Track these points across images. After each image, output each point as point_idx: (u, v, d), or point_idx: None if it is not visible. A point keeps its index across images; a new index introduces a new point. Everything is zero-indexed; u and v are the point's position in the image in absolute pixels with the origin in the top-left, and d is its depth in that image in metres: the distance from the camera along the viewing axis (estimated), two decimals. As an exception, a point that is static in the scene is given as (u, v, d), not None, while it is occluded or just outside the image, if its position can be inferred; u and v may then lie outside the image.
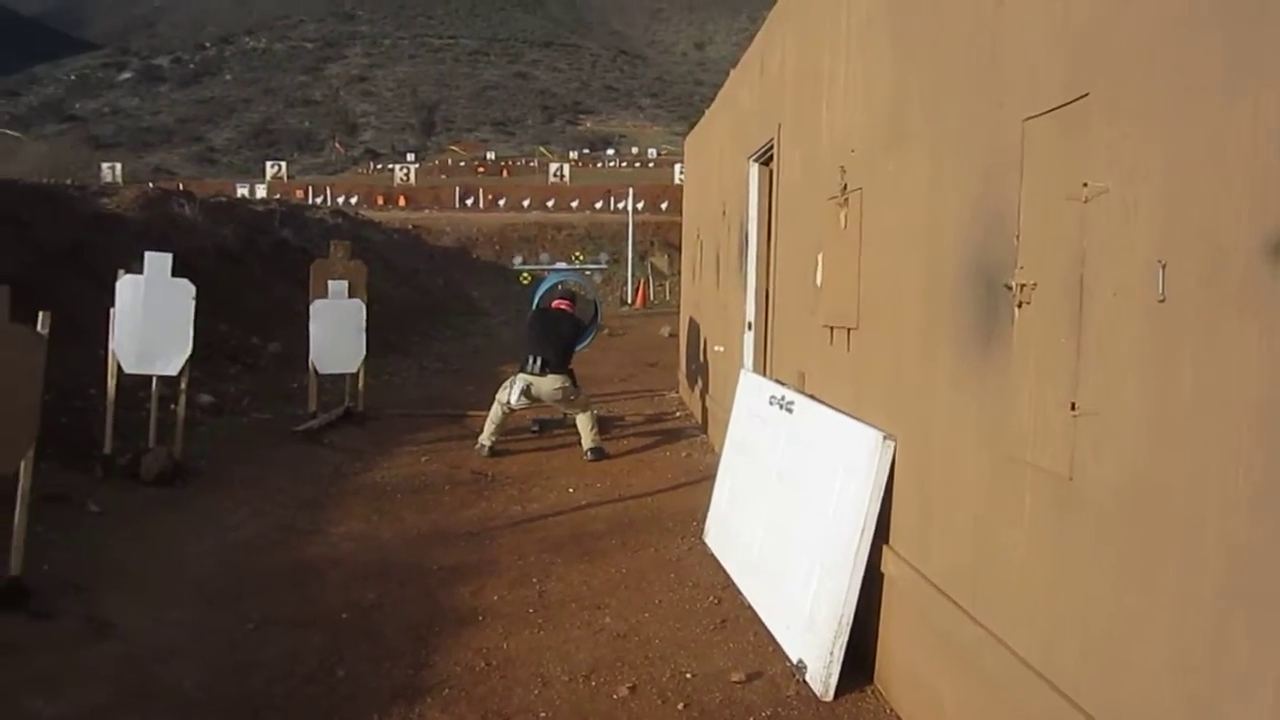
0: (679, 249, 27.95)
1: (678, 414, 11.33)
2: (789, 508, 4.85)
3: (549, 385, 9.01)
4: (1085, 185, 2.69)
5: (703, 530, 6.42)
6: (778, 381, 5.86)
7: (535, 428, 10.19)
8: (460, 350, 18.24)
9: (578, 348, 9.77)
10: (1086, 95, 2.72)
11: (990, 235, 3.28)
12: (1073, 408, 2.73)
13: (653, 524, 6.87)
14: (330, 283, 10.09)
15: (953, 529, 3.56)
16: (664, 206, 50.83)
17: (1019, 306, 3.06)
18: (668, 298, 30.84)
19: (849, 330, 4.74)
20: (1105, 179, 2.61)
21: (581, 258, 30.60)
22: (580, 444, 9.12)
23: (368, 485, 7.97)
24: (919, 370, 3.87)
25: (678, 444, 9.59)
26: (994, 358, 3.23)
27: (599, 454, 8.95)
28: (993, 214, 3.26)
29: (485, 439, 9.09)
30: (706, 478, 7.69)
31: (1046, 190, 2.93)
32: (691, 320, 11.68)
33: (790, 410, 5.23)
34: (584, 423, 9.09)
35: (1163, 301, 2.38)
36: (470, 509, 7.31)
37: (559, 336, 9.21)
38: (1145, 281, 2.44)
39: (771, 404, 5.48)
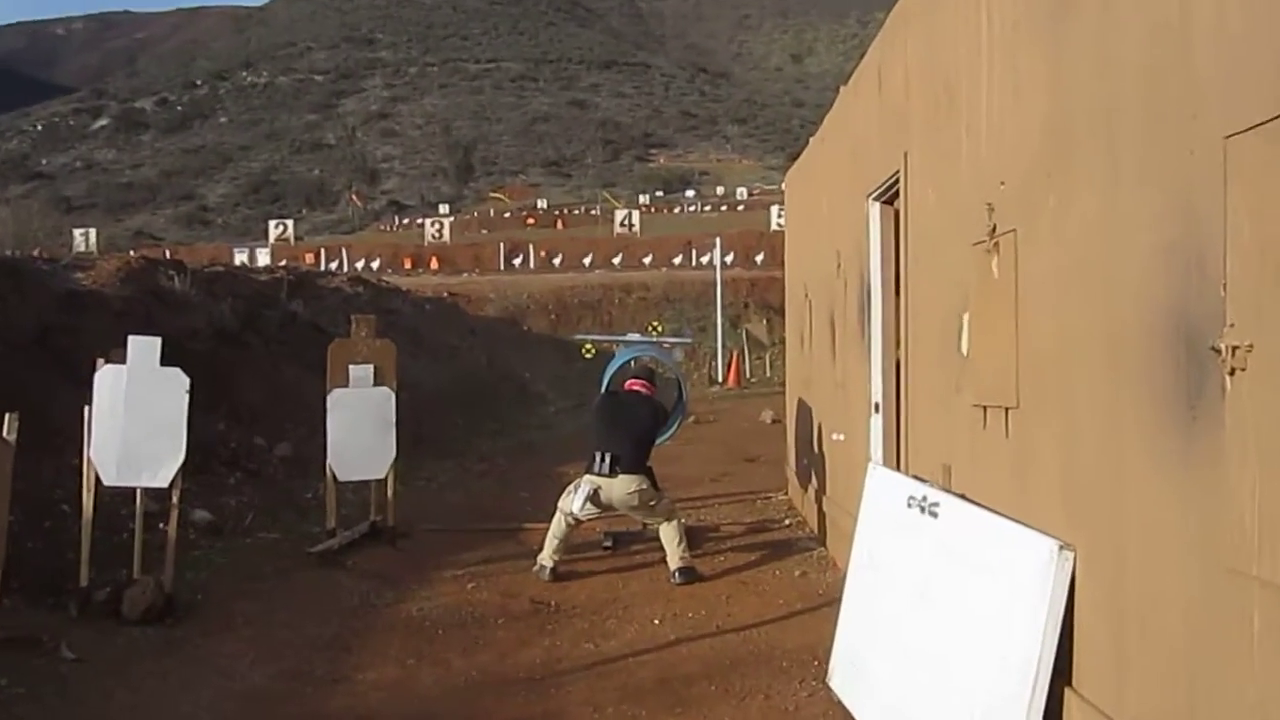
0: (781, 312, 27.96)
1: (787, 521, 11.28)
2: (938, 640, 4.77)
3: (622, 489, 9.03)
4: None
5: (826, 671, 6.31)
6: (916, 478, 5.79)
7: (608, 544, 10.17)
8: (510, 446, 18.39)
9: (658, 440, 9.78)
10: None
11: (1188, 284, 3.23)
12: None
13: (762, 664, 6.78)
14: (351, 368, 10.26)
15: (1156, 665, 3.46)
16: (759, 259, 51.13)
17: (1231, 374, 3.00)
18: (768, 373, 30.86)
19: (1006, 410, 4.70)
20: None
21: (660, 328, 30.83)
22: (665, 563, 9.09)
23: (402, 620, 7.99)
24: (1100, 460, 3.81)
25: (788, 560, 9.54)
26: (1201, 440, 3.17)
27: (689, 575, 8.90)
28: (1190, 256, 3.22)
29: (546, 558, 9.11)
30: (828, 602, 7.61)
31: (1262, 224, 2.88)
32: (801, 402, 11.67)
33: (934, 514, 5.17)
34: (668, 535, 9.07)
35: None
36: (530, 648, 7.29)
37: (634, 427, 9.25)
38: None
39: (910, 507, 5.41)
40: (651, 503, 9.17)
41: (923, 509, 5.34)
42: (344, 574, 9.22)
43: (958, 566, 4.79)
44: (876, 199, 7.70)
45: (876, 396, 7.71)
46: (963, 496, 5.13)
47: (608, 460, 9.04)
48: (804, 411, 11.39)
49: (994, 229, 4.78)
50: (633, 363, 11.25)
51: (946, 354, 5.66)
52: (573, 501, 9.09)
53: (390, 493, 10.49)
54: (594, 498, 9.04)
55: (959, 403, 5.40)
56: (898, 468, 6.62)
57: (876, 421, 7.71)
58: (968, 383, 5.25)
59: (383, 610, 8.27)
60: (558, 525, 9.18)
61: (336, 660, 7.06)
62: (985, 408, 4.98)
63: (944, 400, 5.73)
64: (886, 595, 5.60)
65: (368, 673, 6.82)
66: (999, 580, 4.37)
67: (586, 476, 9.10)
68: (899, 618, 5.31)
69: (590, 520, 9.47)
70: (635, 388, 9.77)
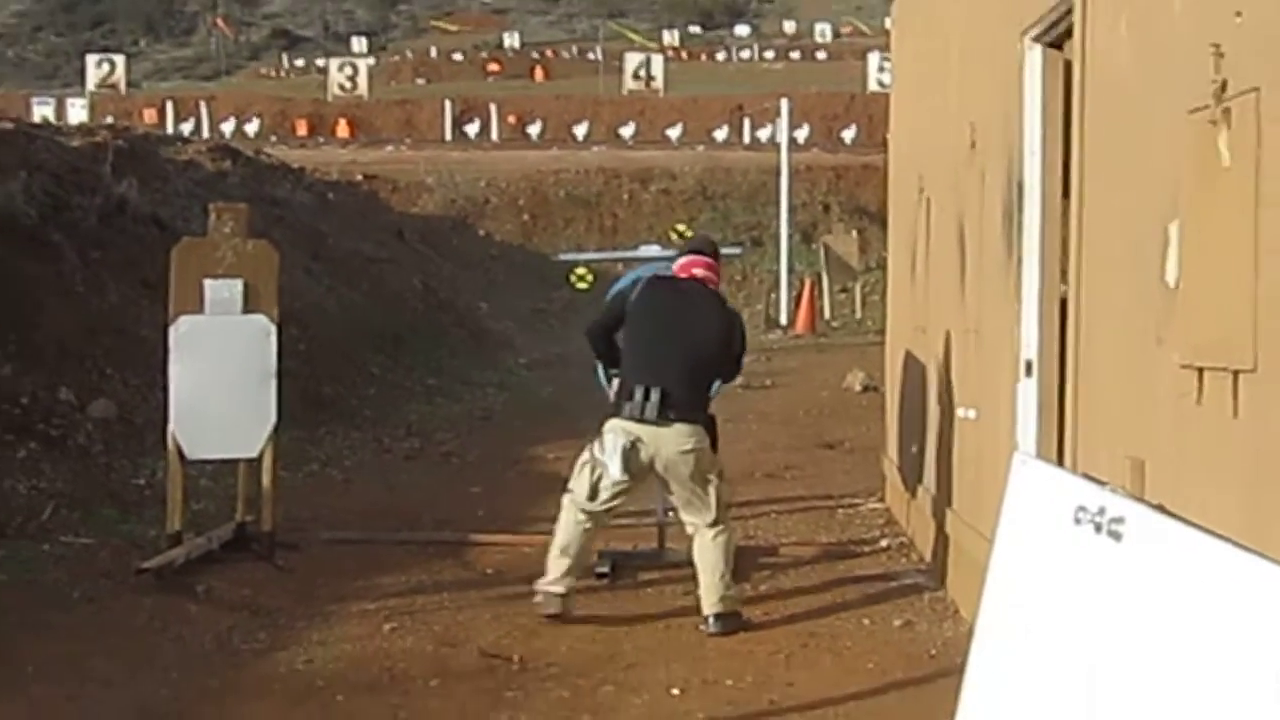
0: (880, 220, 27.72)
1: (884, 543, 11.33)
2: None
3: (674, 444, 8.74)
4: None
5: (941, 777, 6.31)
6: (1089, 479, 5.75)
7: (603, 568, 10.14)
8: (456, 415, 18.45)
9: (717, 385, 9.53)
10: None
11: None
12: None
13: None
14: (208, 284, 10.22)
15: None
16: (848, 136, 50.83)
17: None
18: (858, 314, 30.80)
19: (1236, 375, 4.68)
20: None
21: (689, 235, 30.60)
22: (695, 599, 9.02)
23: (281, 677, 7.97)
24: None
25: (884, 603, 9.57)
26: None
27: (731, 622, 8.86)
28: None
29: (553, 581, 8.96)
30: (944, 671, 7.55)
31: None
32: (910, 359, 11.73)
33: (1117, 536, 5.11)
34: (711, 554, 8.92)
35: None
36: None
37: (696, 339, 8.94)
38: None
39: (1080, 523, 5.34)
40: (709, 476, 8.93)
41: (1098, 527, 5.25)
42: (195, 603, 9.21)
43: (1161, 622, 4.72)
44: (1038, 39, 7.66)
45: (1029, 352, 7.70)
46: (1160, 508, 5.08)
47: (654, 397, 8.75)
48: (913, 373, 11.41)
49: (1223, 87, 4.73)
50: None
51: (1142, 286, 5.63)
52: (593, 473, 8.84)
53: (268, 481, 10.45)
54: (627, 459, 8.73)
55: (1160, 362, 5.37)
56: (1060, 462, 6.58)
57: (1028, 390, 7.69)
58: (1175, 331, 5.21)
59: (253, 660, 8.25)
60: (568, 525, 8.99)
61: None
62: (1201, 370, 4.94)
63: (1136, 358, 5.72)
64: (1038, 662, 5.55)
65: None
66: (1240, 651, 4.30)
67: (615, 423, 8.82)
68: (1061, 703, 5.26)
69: (610, 508, 9.09)
70: (696, 272, 9.29)
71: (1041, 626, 5.65)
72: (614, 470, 8.74)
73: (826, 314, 31.22)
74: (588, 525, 9.00)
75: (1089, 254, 6.52)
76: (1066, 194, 7.03)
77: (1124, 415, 5.92)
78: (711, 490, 8.97)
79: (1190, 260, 5.13)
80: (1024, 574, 5.96)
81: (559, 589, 8.92)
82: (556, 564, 8.99)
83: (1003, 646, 6.01)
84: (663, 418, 8.70)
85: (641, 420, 8.71)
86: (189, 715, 7.42)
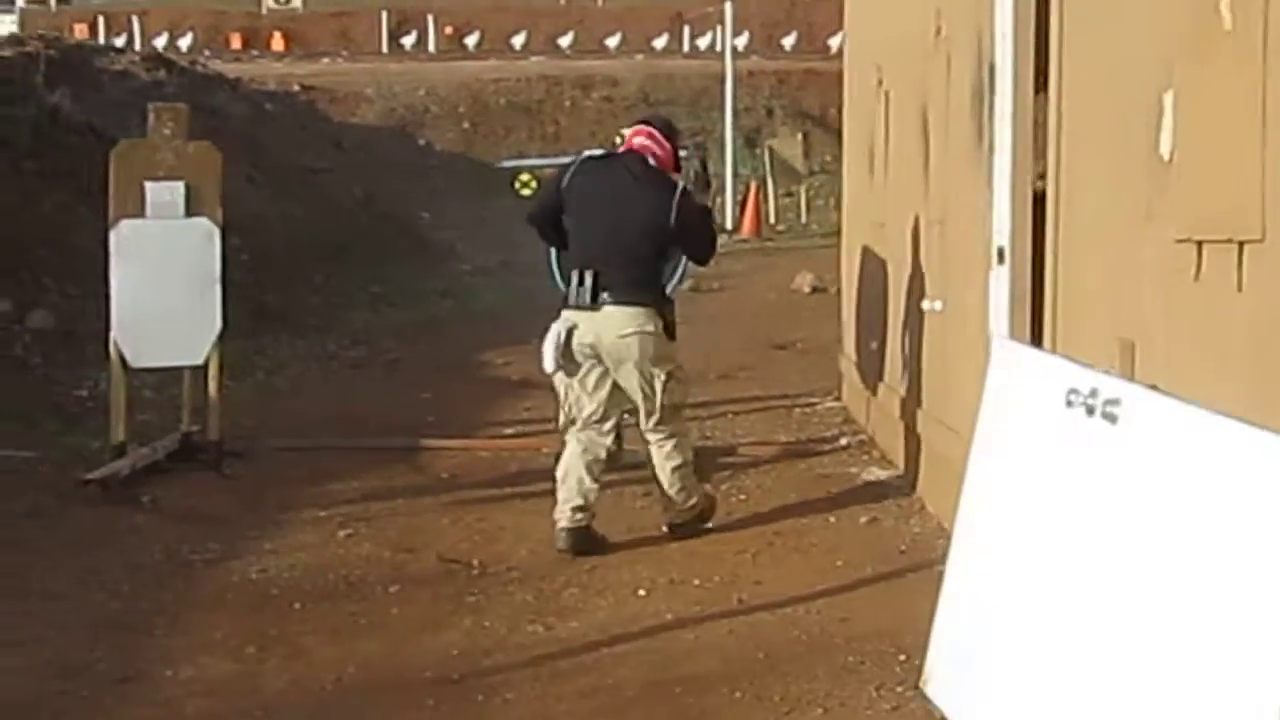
0: (821, 123, 27.54)
1: (844, 441, 11.34)
2: (1127, 629, 4.58)
3: (613, 329, 8.36)
4: None
5: (920, 673, 6.19)
6: (1070, 361, 5.64)
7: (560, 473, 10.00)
8: (402, 322, 18.32)
9: (675, 273, 9.37)
10: None
11: None
12: None
13: (815, 658, 6.78)
14: (149, 186, 10.01)
15: None
16: (788, 43, 50.71)
17: None
18: (804, 218, 30.90)
19: (1241, 246, 4.60)
20: None
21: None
22: (659, 497, 8.83)
23: (235, 586, 7.97)
24: None
25: (849, 500, 9.57)
26: None
27: (686, 531, 8.71)
28: None
29: (564, 511, 8.52)
30: (916, 565, 7.73)
31: None
32: (869, 255, 11.67)
33: (1112, 418, 4.96)
34: (667, 454, 8.68)
35: None
36: (443, 633, 7.28)
37: (635, 218, 8.55)
38: None
39: (1072, 405, 5.22)
40: (654, 369, 8.52)
41: (1090, 409, 5.14)
42: (142, 514, 9.19)
43: (1157, 502, 4.59)
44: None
45: (1001, 239, 7.56)
46: (1155, 388, 4.95)
47: (587, 281, 8.44)
48: (872, 270, 11.36)
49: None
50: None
51: (1130, 162, 5.57)
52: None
53: (214, 389, 10.37)
54: (566, 347, 8.46)
55: (1151, 239, 5.32)
56: (1040, 344, 6.57)
57: (1000, 278, 7.56)
58: (1169, 205, 5.14)
59: (204, 571, 8.25)
60: (572, 451, 8.64)
61: (131, 648, 6.97)
62: (1200, 244, 4.86)
63: (1123, 237, 5.68)
64: (1028, 554, 5.43)
65: (181, 668, 6.72)
66: (1234, 524, 4.15)
67: (563, 314, 8.53)
68: (1054, 590, 5.13)
69: (597, 424, 8.69)
70: (637, 145, 8.91)
71: (1033, 511, 5.54)
72: (546, 362, 8.52)
73: (771, 218, 31.12)
74: (576, 448, 8.65)
75: (1070, 133, 6.50)
76: (1042, 75, 6.97)
77: (1110, 297, 5.92)
78: (658, 385, 8.55)
79: (1186, 131, 5.06)
80: (1012, 459, 5.84)
81: (561, 522, 8.53)
82: (564, 494, 8.61)
83: (991, 534, 5.90)
84: (595, 302, 8.40)
85: (577, 307, 8.45)
86: (142, 628, 7.33)
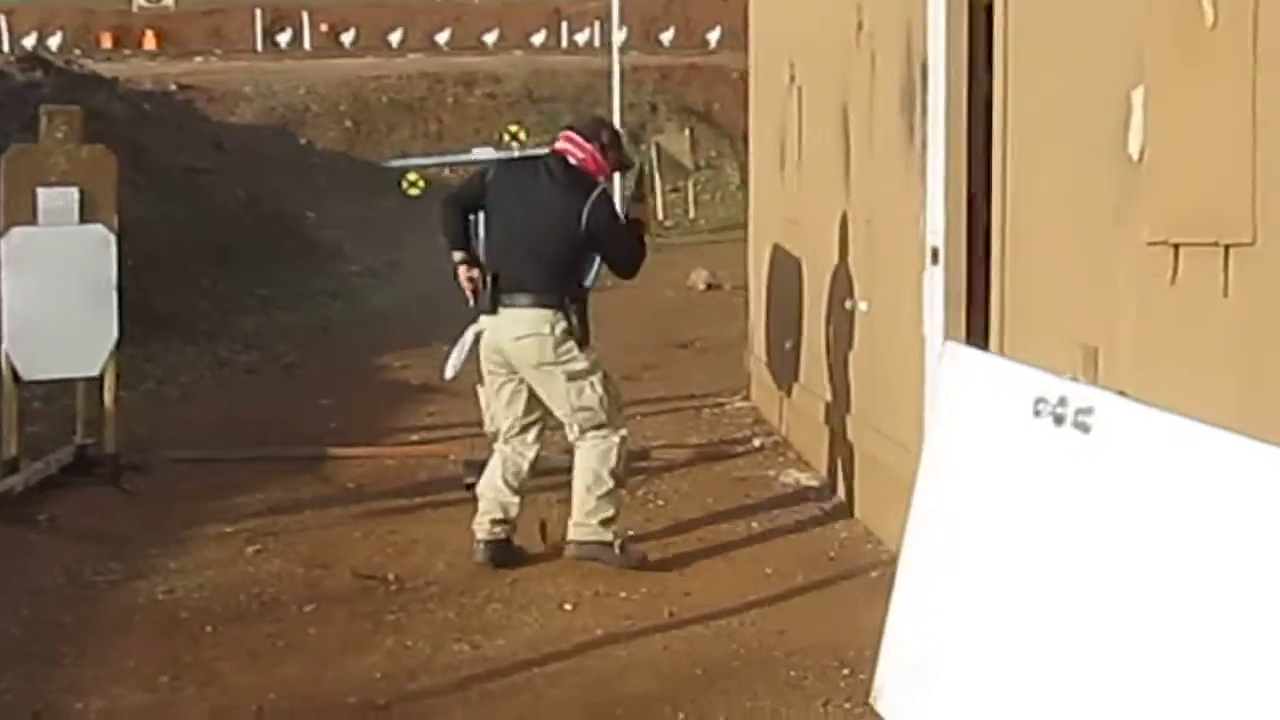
0: (706, 119, 27.49)
1: (757, 442, 11.46)
2: (1107, 646, 4.46)
3: (509, 331, 8.30)
4: None
5: (869, 688, 6.09)
6: (1034, 368, 5.53)
7: (470, 479, 9.75)
8: (293, 325, 18.35)
9: (589, 273, 8.99)
10: None
11: None
12: None
13: (755, 673, 6.83)
14: (41, 193, 9.92)
15: None
16: (666, 38, 50.85)
17: None
18: (692, 214, 31.08)
19: (1227, 250, 4.54)
20: None
21: (524, 136, 30.07)
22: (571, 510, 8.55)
23: (142, 609, 7.90)
24: None
25: (771, 508, 9.66)
26: None
27: (587, 551, 8.37)
28: None
29: (481, 523, 8.49)
30: (849, 574, 7.91)
31: None
32: (780, 253, 11.73)
33: (1084, 428, 4.83)
34: (580, 463, 8.47)
35: None
36: (364, 654, 7.25)
37: (541, 221, 8.46)
38: None
39: (1040, 415, 5.09)
40: (557, 372, 8.32)
41: (1059, 419, 5.01)
42: (38, 533, 9.14)
43: (1136, 514, 4.47)
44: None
45: (935, 239, 7.57)
46: (1122, 394, 4.85)
47: (492, 285, 8.36)
48: (784, 267, 11.41)
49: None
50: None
51: (1092, 161, 5.54)
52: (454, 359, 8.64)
53: (110, 400, 10.32)
54: (474, 349, 8.51)
55: (1118, 240, 5.28)
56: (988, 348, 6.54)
57: (935, 278, 7.58)
58: (1141, 207, 5.08)
59: (108, 593, 8.20)
60: (493, 463, 8.61)
61: (39, 679, 6.90)
62: (1177, 246, 4.81)
63: (1084, 239, 5.67)
64: (991, 568, 5.31)
65: (92, 699, 6.62)
66: (1220, 535, 4.03)
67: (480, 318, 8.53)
68: (1022, 605, 5.00)
69: (521, 435, 8.62)
70: (558, 147, 8.87)
71: (996, 524, 5.38)
72: (447, 368, 8.68)
73: (659, 213, 31.21)
74: (496, 459, 8.65)
75: (1017, 132, 6.48)
76: (986, 67, 7.00)
77: (1068, 300, 5.92)
78: (569, 389, 8.39)
79: (1160, 129, 5.01)
80: (970, 470, 5.68)
81: (480, 535, 8.49)
82: (484, 507, 8.58)
83: (947, 548, 5.74)
84: (495, 304, 8.36)
85: (485, 310, 8.44)
86: (45, 655, 7.21)
